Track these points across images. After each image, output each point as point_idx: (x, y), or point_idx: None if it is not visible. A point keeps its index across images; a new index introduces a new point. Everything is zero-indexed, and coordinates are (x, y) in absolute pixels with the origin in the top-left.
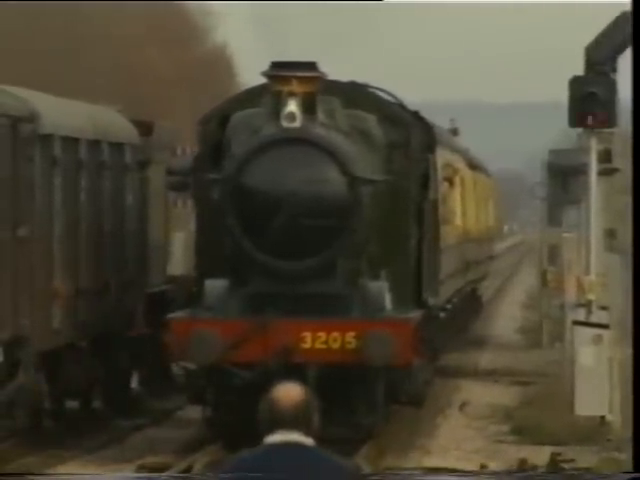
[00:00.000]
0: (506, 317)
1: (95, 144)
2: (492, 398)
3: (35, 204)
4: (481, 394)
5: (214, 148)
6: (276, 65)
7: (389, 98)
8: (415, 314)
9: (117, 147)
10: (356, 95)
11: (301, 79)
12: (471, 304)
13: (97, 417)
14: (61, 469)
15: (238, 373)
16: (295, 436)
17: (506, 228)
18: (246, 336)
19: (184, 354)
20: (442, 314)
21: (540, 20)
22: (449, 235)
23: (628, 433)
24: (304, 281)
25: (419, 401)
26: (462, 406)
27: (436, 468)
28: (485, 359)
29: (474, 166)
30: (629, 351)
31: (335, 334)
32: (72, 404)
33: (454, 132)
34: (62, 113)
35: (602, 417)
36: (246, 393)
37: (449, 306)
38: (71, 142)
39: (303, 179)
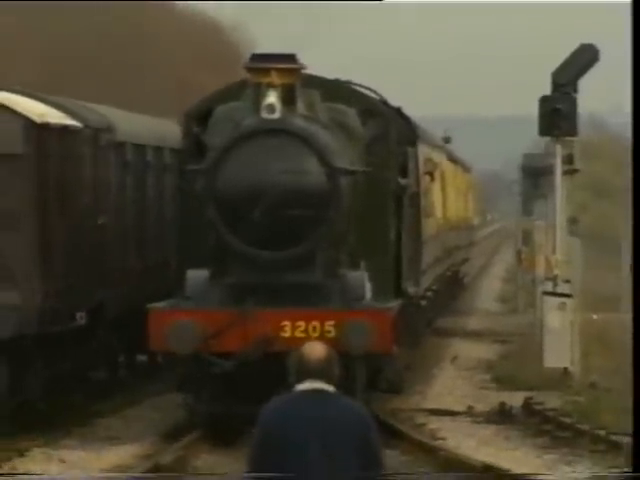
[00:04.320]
0: (489, 289)
1: (158, 150)
2: (477, 353)
3: (111, 198)
4: (468, 350)
5: (197, 141)
6: (256, 57)
7: (371, 94)
8: (394, 303)
9: (176, 152)
10: (336, 89)
11: (280, 71)
12: (452, 287)
13: (161, 369)
14: (130, 411)
15: (218, 362)
16: (320, 384)
17: (489, 217)
18: (226, 326)
19: (164, 344)
20: (423, 302)
21: (523, 28)
22: (430, 227)
23: (586, 380)
24: (284, 271)
25: (398, 389)
26: (453, 360)
27: (432, 409)
28: (472, 322)
29: (454, 161)
30: (587, 315)
31: (314, 323)
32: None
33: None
34: (132, 125)
35: (565, 368)
36: (226, 382)
37: (429, 294)
38: (139, 148)
39: (282, 170)
